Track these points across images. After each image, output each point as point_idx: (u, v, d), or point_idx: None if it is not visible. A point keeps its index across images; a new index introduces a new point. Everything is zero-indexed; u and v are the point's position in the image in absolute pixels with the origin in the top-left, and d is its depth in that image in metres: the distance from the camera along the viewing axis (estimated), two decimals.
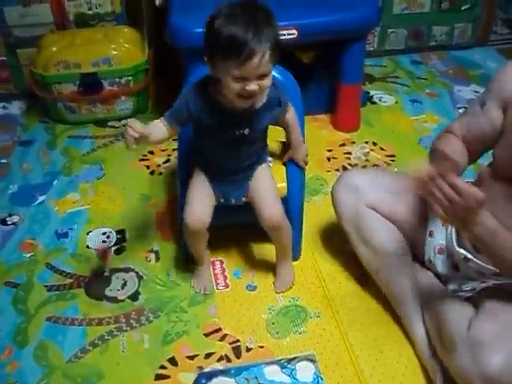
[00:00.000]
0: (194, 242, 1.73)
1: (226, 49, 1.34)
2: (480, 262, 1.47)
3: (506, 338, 1.31)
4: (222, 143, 1.57)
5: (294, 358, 1.60)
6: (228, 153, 1.60)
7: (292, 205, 1.80)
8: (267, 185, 1.69)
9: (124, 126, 2.48)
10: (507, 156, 1.40)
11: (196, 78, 1.56)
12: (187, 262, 1.87)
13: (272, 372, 1.57)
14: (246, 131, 1.54)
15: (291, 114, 1.69)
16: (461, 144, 1.50)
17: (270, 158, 1.78)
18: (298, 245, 1.89)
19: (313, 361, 1.60)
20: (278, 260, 1.82)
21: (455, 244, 1.53)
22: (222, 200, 1.69)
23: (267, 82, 1.41)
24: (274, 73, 1.66)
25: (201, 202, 1.64)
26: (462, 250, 1.51)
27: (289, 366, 1.58)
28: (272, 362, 1.60)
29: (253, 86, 1.38)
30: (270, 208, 1.65)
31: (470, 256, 1.49)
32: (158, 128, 1.52)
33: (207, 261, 1.85)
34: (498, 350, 1.28)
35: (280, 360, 1.60)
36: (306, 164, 1.80)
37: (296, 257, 1.90)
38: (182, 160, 1.82)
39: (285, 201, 1.73)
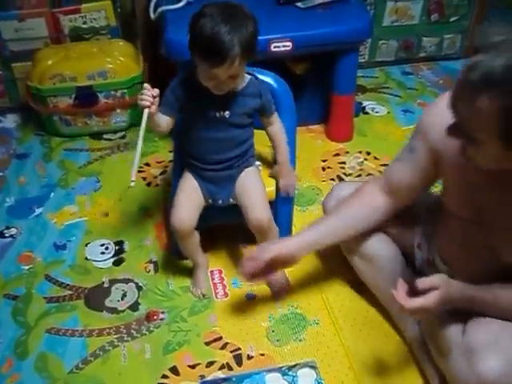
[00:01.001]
0: (183, 243, 1.76)
1: (200, 50, 1.49)
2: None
3: (501, 344, 1.32)
4: (207, 126, 1.64)
5: (294, 365, 1.62)
6: (212, 139, 1.65)
7: (281, 208, 1.83)
8: (255, 186, 1.72)
9: (121, 137, 2.53)
10: (447, 196, 1.44)
11: None
12: (179, 259, 1.92)
13: (273, 379, 1.59)
14: (227, 113, 1.63)
15: (277, 127, 1.76)
16: (364, 204, 1.57)
17: (258, 163, 1.82)
18: None
19: (314, 367, 1.61)
20: None
21: (440, 261, 1.56)
22: (210, 201, 1.73)
23: (237, 81, 1.57)
24: (269, 80, 1.73)
25: (187, 204, 1.69)
26: (445, 267, 1.53)
27: (290, 373, 1.60)
28: (273, 370, 1.61)
29: (223, 86, 1.54)
30: (258, 211, 1.68)
31: (452, 273, 1.51)
32: (161, 117, 1.61)
33: (203, 263, 1.86)
34: (494, 357, 1.29)
35: (281, 367, 1.61)
36: (289, 195, 1.80)
37: None
38: (176, 161, 1.88)
39: (274, 204, 1.76)
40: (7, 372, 1.62)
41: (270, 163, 1.87)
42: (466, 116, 1.12)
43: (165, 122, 1.62)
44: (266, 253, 1.54)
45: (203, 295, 1.83)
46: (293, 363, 1.63)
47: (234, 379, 1.58)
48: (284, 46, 2.19)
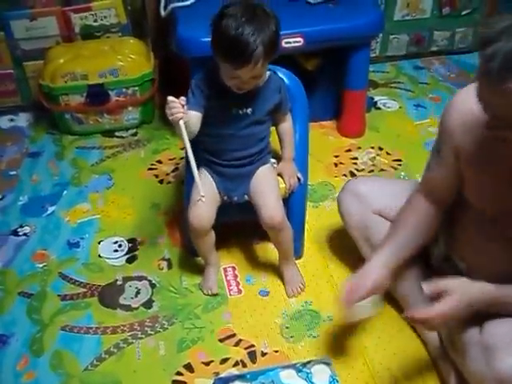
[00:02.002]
0: (199, 241, 1.76)
1: (224, 51, 1.49)
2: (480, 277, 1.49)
3: None
4: (228, 124, 1.63)
5: (309, 362, 1.62)
6: (234, 136, 1.65)
7: (294, 205, 1.83)
8: (269, 185, 1.72)
9: (133, 134, 2.54)
10: (468, 190, 1.41)
11: None
12: (193, 256, 1.92)
13: (288, 376, 1.59)
14: (249, 111, 1.63)
15: (288, 125, 1.79)
16: (419, 216, 1.53)
17: (273, 160, 1.81)
18: (299, 243, 1.92)
19: (328, 364, 1.61)
20: (280, 262, 1.85)
21: (457, 257, 1.55)
22: (225, 198, 1.73)
23: (259, 81, 1.58)
24: (282, 77, 1.73)
25: (205, 202, 1.66)
26: (463, 264, 1.53)
27: (304, 369, 1.59)
28: (288, 366, 1.61)
29: (245, 86, 1.55)
30: (271, 209, 1.68)
31: (470, 270, 1.50)
32: (191, 114, 1.56)
33: (215, 262, 1.85)
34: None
35: (295, 364, 1.61)
36: (291, 187, 1.79)
37: (298, 255, 1.93)
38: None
39: (287, 201, 1.76)
40: (23, 369, 1.63)
41: None
42: (501, 107, 1.09)
43: (196, 119, 1.58)
44: (361, 290, 1.49)
45: (214, 294, 1.82)
46: (307, 360, 1.62)
47: (248, 376, 1.58)
48: (295, 42, 2.19)
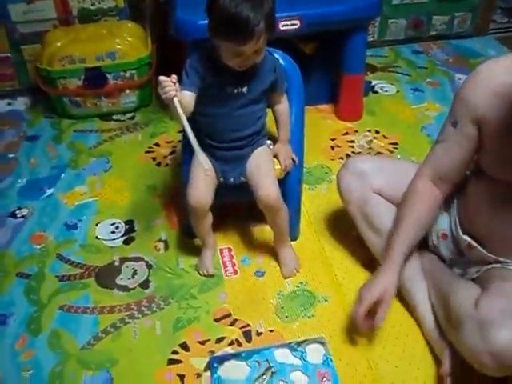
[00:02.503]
0: (197, 223, 1.77)
1: (226, 30, 1.48)
2: (484, 251, 1.51)
3: None
4: (223, 104, 1.64)
5: (303, 341, 1.63)
6: (230, 116, 1.66)
7: (289, 186, 1.84)
8: (265, 165, 1.73)
9: (131, 118, 2.54)
10: (491, 162, 1.42)
11: None
12: (190, 238, 1.94)
13: (283, 355, 1.60)
14: (244, 90, 1.63)
15: (284, 107, 1.80)
16: (427, 204, 1.55)
17: (269, 142, 1.82)
18: (295, 225, 1.94)
19: (322, 343, 1.62)
20: (276, 244, 1.86)
21: (460, 231, 1.56)
22: (221, 179, 1.74)
23: (261, 55, 1.58)
24: (278, 58, 1.74)
25: (203, 182, 1.69)
26: (466, 237, 1.54)
27: (299, 348, 1.61)
28: (282, 345, 1.62)
29: (248, 62, 1.55)
30: (267, 188, 1.69)
31: (474, 244, 1.52)
32: (185, 94, 1.55)
33: (211, 244, 1.87)
34: (506, 327, 1.30)
35: (290, 343, 1.63)
36: (286, 168, 1.80)
37: (294, 237, 1.95)
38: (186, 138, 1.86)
39: (282, 182, 1.77)
40: (21, 348, 1.65)
41: None
42: None
43: (190, 99, 1.58)
44: (370, 296, 1.53)
45: (210, 275, 1.84)
46: (301, 339, 1.64)
47: (243, 355, 1.60)
48: (292, 25, 2.19)
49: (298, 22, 2.19)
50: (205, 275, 1.84)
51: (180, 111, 1.46)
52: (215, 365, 1.57)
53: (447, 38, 3.20)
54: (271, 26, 1.52)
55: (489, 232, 1.49)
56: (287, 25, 2.18)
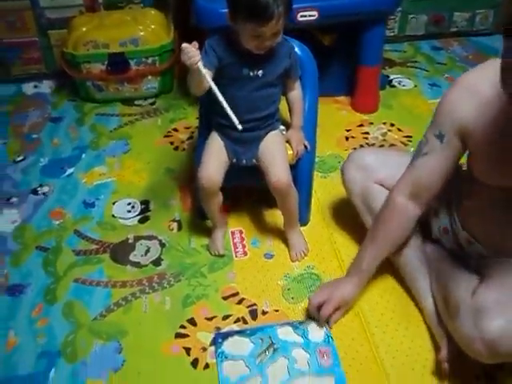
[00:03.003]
0: (207, 201, 1.81)
1: (247, 12, 1.53)
2: (483, 248, 1.55)
3: (507, 305, 1.35)
4: (238, 86, 1.69)
5: (306, 320, 1.68)
6: (244, 98, 1.70)
7: (301, 172, 1.89)
8: (277, 149, 1.78)
9: (152, 103, 2.59)
10: (485, 169, 1.42)
11: None
12: (202, 219, 2.00)
13: (285, 332, 1.65)
14: (260, 73, 1.68)
15: (297, 93, 1.84)
16: (402, 222, 1.60)
17: (282, 127, 1.87)
18: (306, 210, 1.99)
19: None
20: (286, 228, 1.91)
21: (459, 227, 1.60)
22: (234, 160, 1.79)
23: (279, 38, 1.62)
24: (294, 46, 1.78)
25: (214, 162, 1.74)
26: (465, 233, 1.58)
27: (301, 326, 1.66)
28: (285, 324, 1.67)
29: (266, 44, 1.60)
30: (279, 172, 1.74)
31: (473, 240, 1.56)
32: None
33: (222, 224, 1.92)
34: (499, 316, 1.33)
35: (293, 322, 1.68)
36: (298, 154, 1.84)
37: (304, 222, 1.99)
38: (202, 122, 1.95)
39: (294, 168, 1.82)
40: (37, 316, 1.72)
41: None
42: None
43: (209, 75, 1.62)
44: (330, 305, 1.62)
45: (221, 255, 1.89)
46: (304, 318, 1.69)
47: (247, 332, 1.65)
48: (310, 16, 2.23)
49: (315, 12, 2.23)
50: (215, 255, 1.90)
51: (205, 74, 1.55)
52: (220, 340, 1.63)
53: (468, 34, 3.20)
54: (288, 8, 1.57)
55: (487, 234, 1.53)
56: (305, 15, 2.22)
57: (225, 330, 1.67)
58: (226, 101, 1.62)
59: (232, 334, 1.65)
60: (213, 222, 1.91)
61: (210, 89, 1.61)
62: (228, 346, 1.62)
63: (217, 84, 1.64)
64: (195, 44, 1.52)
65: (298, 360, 1.58)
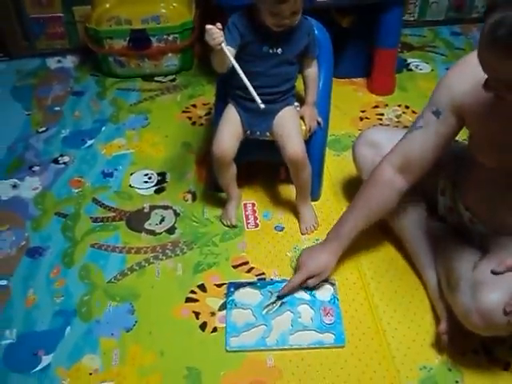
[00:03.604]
0: (221, 172, 1.87)
1: None
2: (484, 228, 1.58)
3: (505, 278, 1.39)
4: (258, 61, 1.73)
5: None
6: (263, 74, 1.75)
7: (313, 148, 1.93)
8: (292, 123, 1.83)
9: (172, 80, 2.66)
10: (481, 149, 1.46)
11: None
12: (216, 191, 2.06)
13: None
14: (279, 50, 1.73)
15: (314, 71, 1.88)
16: (386, 195, 1.60)
17: (297, 104, 1.91)
18: (317, 186, 2.03)
19: (333, 284, 1.74)
20: (297, 201, 1.96)
21: (462, 206, 1.64)
22: (248, 133, 1.84)
23: (298, 17, 1.66)
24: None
25: (228, 134, 1.80)
26: (468, 213, 1.62)
27: None
28: None
29: (285, 21, 1.64)
30: (295, 144, 1.78)
31: (475, 219, 1.60)
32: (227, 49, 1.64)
33: (235, 196, 1.97)
34: (496, 288, 1.37)
35: None
36: (311, 129, 1.89)
37: (315, 197, 2.04)
38: (219, 96, 2.00)
39: (307, 144, 1.86)
40: (55, 277, 1.80)
41: None
42: (504, 71, 1.13)
43: (230, 55, 1.65)
44: (308, 271, 1.67)
45: (233, 226, 1.95)
46: None
47: (258, 284, 1.74)
48: None
49: None
50: (228, 226, 1.95)
51: (229, 54, 1.59)
52: (232, 289, 1.72)
53: None
54: None
55: (487, 213, 1.56)
56: None
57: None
58: (246, 76, 1.65)
59: (244, 284, 1.74)
60: (227, 194, 1.96)
61: (233, 67, 1.64)
62: (239, 295, 1.71)
63: (237, 59, 1.67)
64: (219, 25, 1.56)
65: (303, 315, 1.66)
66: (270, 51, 1.73)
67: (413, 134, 1.54)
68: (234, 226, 1.95)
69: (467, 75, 1.38)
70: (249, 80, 1.68)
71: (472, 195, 1.60)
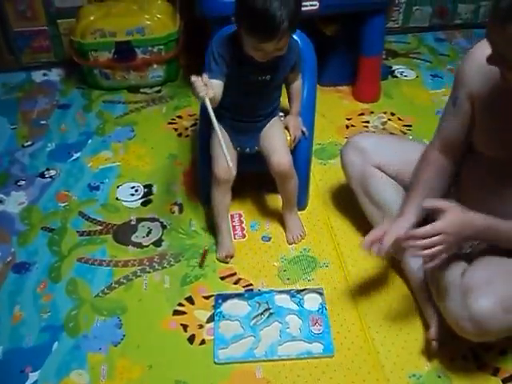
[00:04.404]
0: (220, 194, 1.81)
1: (249, 24, 1.51)
2: None
3: (494, 284, 1.40)
4: (246, 88, 1.70)
5: (303, 290, 1.76)
6: (250, 98, 1.73)
7: (299, 157, 1.93)
8: (277, 134, 1.83)
9: (157, 91, 2.65)
10: (482, 138, 1.49)
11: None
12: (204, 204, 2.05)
13: (282, 300, 1.73)
14: (268, 77, 1.69)
15: (298, 83, 1.87)
16: (436, 172, 1.61)
17: (281, 114, 1.92)
18: (304, 195, 2.03)
19: (320, 293, 1.75)
20: (284, 211, 1.96)
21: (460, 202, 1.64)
22: (238, 149, 1.84)
23: (284, 50, 1.60)
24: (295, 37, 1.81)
25: (229, 155, 1.75)
26: None
27: (298, 295, 1.74)
28: (283, 292, 1.76)
29: (270, 55, 1.59)
30: (280, 155, 1.79)
31: None
32: (214, 83, 1.57)
33: (226, 230, 1.91)
34: (486, 294, 1.38)
35: (290, 290, 1.76)
36: (296, 139, 1.88)
37: (302, 206, 2.04)
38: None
39: (292, 153, 1.86)
40: (42, 292, 1.79)
41: None
42: (501, 44, 1.18)
43: (219, 88, 1.60)
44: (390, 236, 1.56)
45: (230, 257, 1.88)
46: (301, 288, 1.76)
47: (245, 295, 1.74)
48: (311, 5, 2.27)
49: (316, 2, 2.27)
50: (225, 260, 1.87)
51: (211, 112, 1.47)
52: (219, 301, 1.72)
53: (472, 26, 3.22)
54: (295, 24, 1.52)
55: (483, 209, 1.56)
56: (307, 5, 2.24)
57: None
58: (232, 104, 1.64)
59: (232, 296, 1.74)
60: (217, 226, 1.90)
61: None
62: (226, 307, 1.72)
63: (224, 86, 1.63)
64: (205, 78, 1.47)
65: (291, 325, 1.66)
66: (259, 78, 1.69)
67: (440, 122, 1.62)
68: (232, 257, 1.88)
69: (476, 65, 1.42)
70: (236, 104, 1.68)
71: (468, 191, 1.61)
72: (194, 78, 1.47)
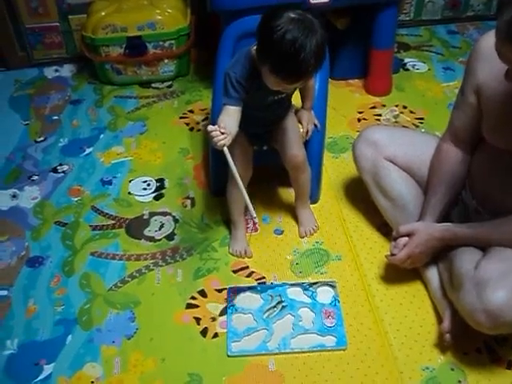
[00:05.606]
0: (237, 193, 1.72)
1: (277, 64, 1.43)
2: (488, 218, 1.57)
3: (509, 277, 1.39)
4: (263, 106, 1.70)
5: (316, 283, 1.76)
6: (265, 113, 1.74)
7: (311, 150, 1.93)
8: (291, 128, 1.82)
9: (168, 86, 2.64)
10: (490, 130, 1.50)
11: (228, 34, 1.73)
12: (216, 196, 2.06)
13: (295, 292, 1.73)
14: (284, 95, 1.68)
15: (311, 83, 1.87)
16: (451, 165, 1.64)
17: (293, 103, 1.90)
18: (316, 188, 2.03)
19: (333, 286, 1.74)
20: (297, 205, 1.96)
21: (469, 195, 1.64)
22: (255, 147, 1.84)
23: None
24: None
25: (245, 155, 1.77)
26: (474, 202, 1.62)
27: (310, 288, 1.74)
28: (295, 285, 1.76)
29: (289, 90, 1.63)
30: (295, 149, 1.79)
31: (480, 209, 1.60)
32: (232, 112, 1.55)
33: (243, 226, 1.91)
34: (501, 286, 1.37)
35: (303, 283, 1.76)
36: (308, 132, 1.89)
37: (314, 199, 2.04)
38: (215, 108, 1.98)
39: (305, 146, 1.87)
40: (55, 286, 1.81)
41: None
42: None
43: (238, 114, 1.56)
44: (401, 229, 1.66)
45: (245, 252, 1.87)
46: (314, 281, 1.77)
47: (258, 288, 1.75)
48: None
49: None
50: (240, 255, 1.87)
51: (230, 160, 1.47)
52: (232, 294, 1.73)
53: (484, 18, 3.20)
54: (321, 64, 1.47)
55: (490, 200, 1.57)
56: None
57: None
58: (249, 116, 1.59)
59: (244, 289, 1.75)
60: (234, 222, 1.90)
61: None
62: (239, 300, 1.72)
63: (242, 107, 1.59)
64: (222, 127, 1.44)
65: (304, 318, 1.66)
66: (276, 98, 1.67)
67: (452, 115, 1.66)
68: (249, 257, 1.88)
69: (483, 58, 1.45)
70: (253, 118, 1.66)
71: (480, 183, 1.60)
72: (210, 128, 1.44)
